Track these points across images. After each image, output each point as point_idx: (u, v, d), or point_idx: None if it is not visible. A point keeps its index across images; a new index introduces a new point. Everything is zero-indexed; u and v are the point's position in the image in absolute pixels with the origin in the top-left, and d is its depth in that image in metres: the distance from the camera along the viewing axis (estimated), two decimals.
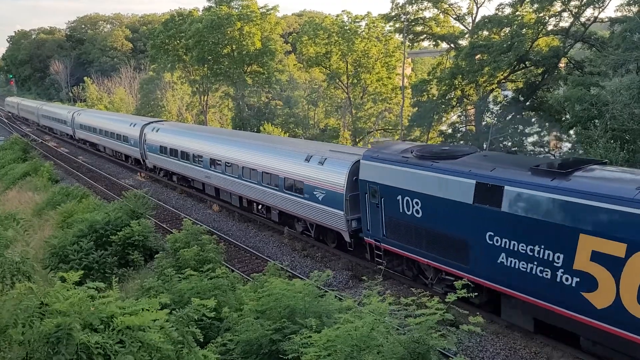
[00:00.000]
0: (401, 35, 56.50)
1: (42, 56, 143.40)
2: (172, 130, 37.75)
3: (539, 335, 14.87)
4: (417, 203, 16.48)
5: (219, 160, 28.95)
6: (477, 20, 51.79)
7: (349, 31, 60.45)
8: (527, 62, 46.17)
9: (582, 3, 42.75)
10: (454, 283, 10.27)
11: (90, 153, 53.75)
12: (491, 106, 50.21)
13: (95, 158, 50.64)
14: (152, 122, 41.70)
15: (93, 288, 8.66)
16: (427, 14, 55.02)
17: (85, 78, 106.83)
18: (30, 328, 7.52)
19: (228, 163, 27.96)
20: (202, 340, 9.66)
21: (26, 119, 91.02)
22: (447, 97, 49.83)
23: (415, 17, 55.02)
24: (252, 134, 41.63)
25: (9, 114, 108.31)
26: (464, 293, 9.77)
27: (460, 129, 54.03)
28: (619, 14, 40.91)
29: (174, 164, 34.86)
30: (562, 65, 46.62)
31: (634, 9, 35.69)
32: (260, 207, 26.89)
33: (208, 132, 35.06)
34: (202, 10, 67.52)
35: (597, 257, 12.16)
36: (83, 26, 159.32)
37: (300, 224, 24.04)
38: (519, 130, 47.45)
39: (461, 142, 52.97)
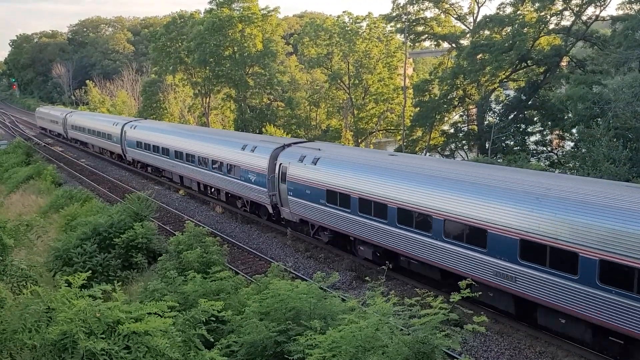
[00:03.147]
0: (402, 36, 56.49)
1: (44, 59, 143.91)
2: None
3: (543, 335, 14.87)
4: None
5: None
6: (478, 19, 51.82)
7: (350, 32, 60.51)
8: (528, 61, 46.18)
9: (584, 2, 42.75)
10: (459, 283, 10.27)
11: (94, 156, 53.78)
12: (493, 105, 50.19)
13: (98, 161, 50.76)
14: None
15: (100, 291, 8.68)
16: (428, 14, 55.13)
17: (87, 81, 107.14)
18: (37, 333, 7.55)
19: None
20: (212, 340, 9.68)
21: (83, 143, 57.35)
22: (448, 97, 49.88)
23: (417, 17, 55.09)
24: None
25: (43, 132, 77.05)
26: (468, 293, 9.78)
27: (462, 129, 54.03)
28: (620, 12, 40.95)
29: None
30: (563, 63, 46.61)
31: (636, 7, 35.67)
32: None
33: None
34: (204, 13, 67.67)
35: None
36: (85, 29, 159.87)
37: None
38: (521, 129, 47.44)
39: (463, 141, 53.03)
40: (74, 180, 42.06)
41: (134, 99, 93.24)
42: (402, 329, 9.60)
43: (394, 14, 55.60)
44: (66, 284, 8.75)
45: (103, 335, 7.63)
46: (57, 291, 8.52)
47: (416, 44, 59.79)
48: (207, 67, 63.89)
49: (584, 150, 31.28)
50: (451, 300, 9.57)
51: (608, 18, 43.19)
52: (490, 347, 14.80)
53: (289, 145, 25.13)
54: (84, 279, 9.06)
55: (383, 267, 16.49)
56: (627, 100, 29.24)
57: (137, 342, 7.62)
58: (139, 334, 7.73)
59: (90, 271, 11.94)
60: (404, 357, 8.74)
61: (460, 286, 10.00)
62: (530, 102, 47.35)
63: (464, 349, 14.32)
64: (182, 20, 68.96)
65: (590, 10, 43.50)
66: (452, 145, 53.27)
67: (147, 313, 8.30)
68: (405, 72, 57.40)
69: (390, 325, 9.30)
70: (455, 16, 55.10)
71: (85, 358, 7.22)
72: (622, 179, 25.01)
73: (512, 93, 53.09)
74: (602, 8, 42.68)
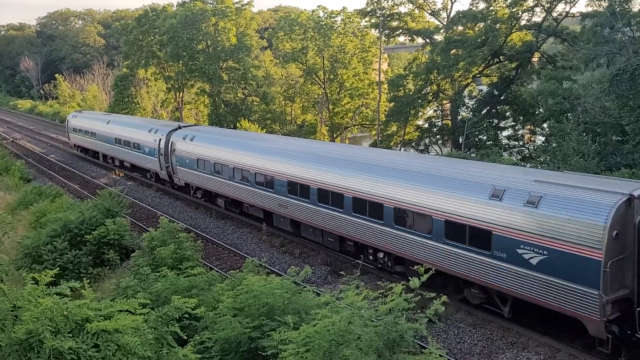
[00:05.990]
0: (377, 31, 56.64)
1: (12, 53, 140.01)
2: None
3: (515, 326, 15.11)
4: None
5: None
6: (451, 15, 52.24)
7: (324, 26, 60.39)
8: (501, 57, 46.78)
9: None
10: (416, 268, 10.53)
11: (64, 151, 52.64)
12: (466, 100, 50.73)
13: (68, 156, 49.73)
14: None
15: (68, 288, 8.48)
16: (403, 9, 55.38)
17: (56, 75, 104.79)
18: (3, 332, 7.34)
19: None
20: (185, 338, 9.57)
21: (242, 204, 26.82)
22: (423, 92, 50.21)
23: (391, 12, 55.27)
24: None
25: (84, 156, 47.02)
26: (426, 277, 10.20)
27: (437, 124, 54.51)
28: (589, 9, 41.73)
29: None
30: (535, 59, 47.35)
31: (604, 3, 36.37)
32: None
33: None
34: (176, 6, 66.75)
35: None
36: (54, 22, 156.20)
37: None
38: (493, 124, 48.06)
39: (437, 136, 53.53)
40: (44, 176, 41.15)
41: (105, 94, 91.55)
42: (374, 320, 9.74)
43: (369, 9, 55.72)
44: (33, 282, 8.53)
45: (71, 334, 7.45)
46: (24, 289, 8.30)
47: (391, 39, 60.06)
48: (180, 62, 63.07)
49: (554, 144, 31.83)
50: (410, 285, 9.98)
51: (578, 15, 44.02)
52: (463, 339, 14.99)
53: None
54: (52, 277, 8.85)
55: (358, 261, 16.56)
56: (596, 95, 29.86)
57: (107, 341, 7.47)
58: (109, 332, 7.57)
59: (60, 269, 11.70)
60: (376, 346, 8.87)
61: (419, 272, 10.24)
62: (502, 98, 48.00)
63: (439, 339, 14.46)
64: (154, 13, 67.85)
65: (561, 7, 44.35)
66: (427, 140, 53.72)
67: (118, 310, 8.15)
68: (380, 67, 57.57)
69: (363, 317, 9.41)
70: (429, 12, 55.48)
71: (52, 357, 7.05)
72: (591, 172, 25.53)
73: (485, 88, 53.77)
74: (572, 5, 43.54)
